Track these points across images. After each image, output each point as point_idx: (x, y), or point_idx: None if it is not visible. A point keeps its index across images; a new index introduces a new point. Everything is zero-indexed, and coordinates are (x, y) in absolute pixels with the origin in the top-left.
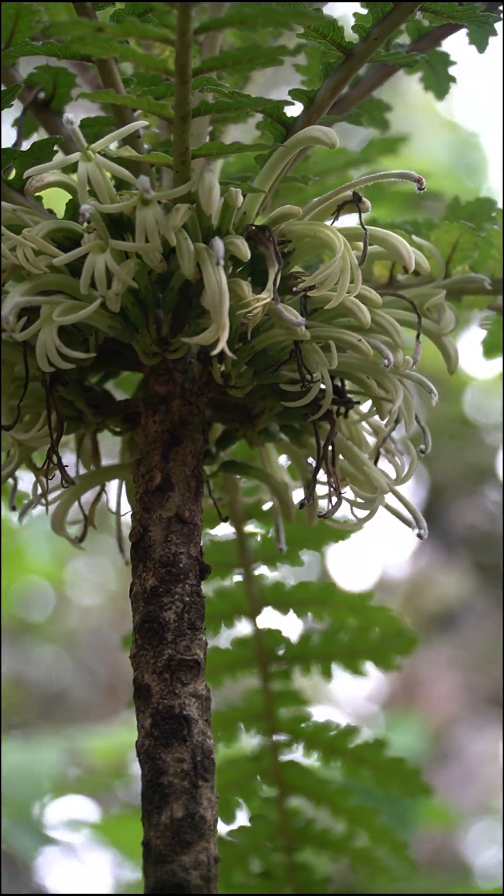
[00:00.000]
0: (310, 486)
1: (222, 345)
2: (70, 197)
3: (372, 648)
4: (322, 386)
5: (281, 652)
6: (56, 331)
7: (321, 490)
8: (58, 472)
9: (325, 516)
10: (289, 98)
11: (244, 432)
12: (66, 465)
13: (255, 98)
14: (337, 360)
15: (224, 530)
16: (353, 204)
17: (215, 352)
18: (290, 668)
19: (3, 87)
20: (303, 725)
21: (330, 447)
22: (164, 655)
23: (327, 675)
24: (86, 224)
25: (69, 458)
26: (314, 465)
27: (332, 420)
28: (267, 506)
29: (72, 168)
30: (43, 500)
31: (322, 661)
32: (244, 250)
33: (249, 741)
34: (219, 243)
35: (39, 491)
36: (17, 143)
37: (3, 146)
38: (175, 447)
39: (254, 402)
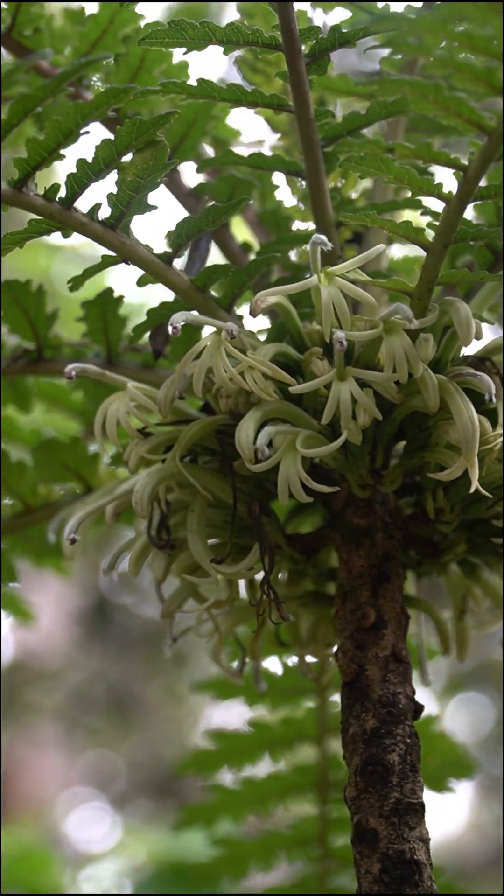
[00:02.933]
0: None
1: (475, 483)
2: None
3: (430, 774)
4: None
5: (340, 776)
6: (300, 462)
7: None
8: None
9: None
10: None
11: (427, 564)
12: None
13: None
14: None
15: None
16: None
17: (471, 490)
18: None
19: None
20: None
21: None
22: (390, 799)
23: None
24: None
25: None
26: None
27: None
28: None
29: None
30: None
31: None
32: (488, 383)
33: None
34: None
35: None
36: (198, 254)
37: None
38: (384, 583)
39: (443, 536)
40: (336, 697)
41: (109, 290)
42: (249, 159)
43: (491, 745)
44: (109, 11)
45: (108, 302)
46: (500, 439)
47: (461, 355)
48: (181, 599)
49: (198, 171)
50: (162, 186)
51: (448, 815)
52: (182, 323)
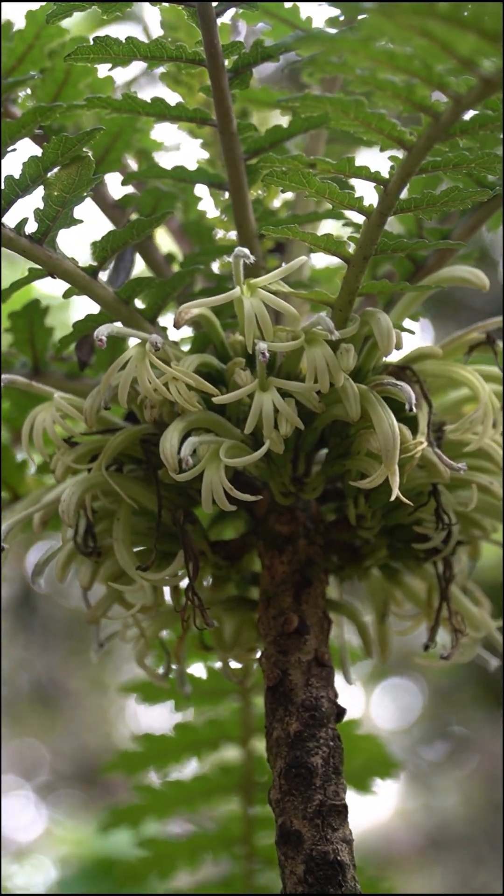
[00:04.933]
0: (433, 626)
1: (396, 491)
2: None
3: (354, 775)
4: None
5: (265, 779)
6: (224, 471)
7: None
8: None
9: (448, 658)
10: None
11: (348, 569)
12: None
13: (422, 242)
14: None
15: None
16: (487, 345)
17: (392, 498)
18: None
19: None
20: None
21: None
22: (314, 801)
23: None
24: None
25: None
26: (437, 604)
27: (448, 561)
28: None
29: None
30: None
31: None
32: (407, 394)
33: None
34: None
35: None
36: (122, 265)
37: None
38: (306, 588)
39: (365, 541)
40: (260, 699)
41: (36, 302)
42: (173, 172)
43: (416, 731)
44: (35, 27)
45: (34, 313)
46: (421, 447)
47: (382, 363)
48: (107, 605)
49: (123, 184)
50: (88, 199)
51: (376, 802)
52: (107, 335)
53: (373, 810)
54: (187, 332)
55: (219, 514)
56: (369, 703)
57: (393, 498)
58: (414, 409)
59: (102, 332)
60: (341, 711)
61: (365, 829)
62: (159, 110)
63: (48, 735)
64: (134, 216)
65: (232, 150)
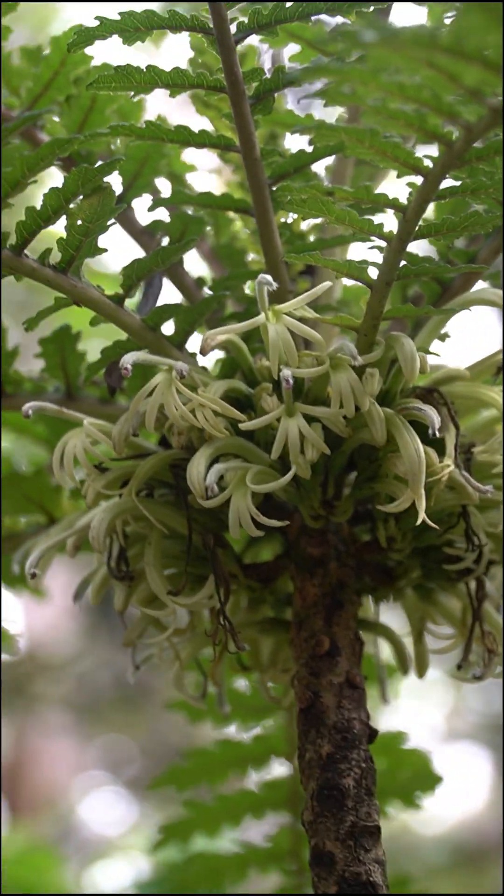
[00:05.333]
0: (467, 645)
1: (422, 515)
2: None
3: (398, 788)
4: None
5: None
6: (250, 497)
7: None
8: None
9: (481, 677)
10: (451, 264)
11: (382, 590)
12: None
13: (444, 266)
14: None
15: None
16: None
17: (418, 522)
18: None
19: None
20: None
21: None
22: (346, 822)
23: None
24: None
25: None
26: (470, 624)
27: (480, 580)
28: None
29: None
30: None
31: None
32: (431, 417)
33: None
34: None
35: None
36: (151, 291)
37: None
38: (338, 611)
39: (398, 562)
40: None
41: (67, 327)
42: (198, 198)
43: None
44: (60, 54)
45: (65, 338)
46: (448, 469)
47: (410, 387)
48: (142, 628)
49: (149, 210)
50: (116, 225)
51: (468, 793)
52: (132, 363)
53: (464, 803)
54: (219, 353)
55: (253, 538)
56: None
57: (419, 522)
58: (437, 434)
59: (128, 360)
60: (373, 733)
61: (456, 822)
62: (183, 137)
63: (133, 732)
64: (165, 240)
65: (256, 177)
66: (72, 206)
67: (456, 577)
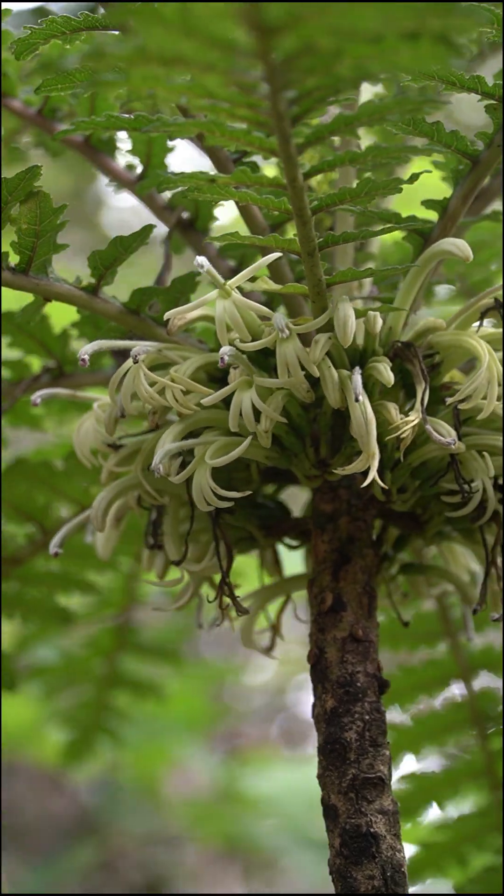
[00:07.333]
0: (482, 591)
1: (373, 474)
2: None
3: None
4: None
5: (500, 709)
6: (210, 473)
7: None
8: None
9: (498, 619)
10: (417, 215)
11: (417, 536)
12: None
13: (384, 211)
14: (492, 467)
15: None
16: (496, 310)
17: (366, 483)
18: None
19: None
20: None
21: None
22: (347, 775)
23: None
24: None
25: None
26: (485, 569)
27: (499, 521)
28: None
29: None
30: (228, 618)
31: None
32: (387, 375)
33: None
34: (357, 378)
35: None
36: (166, 264)
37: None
38: (344, 566)
39: (422, 509)
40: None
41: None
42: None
43: None
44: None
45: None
46: (411, 423)
47: (391, 341)
48: (192, 590)
49: (159, 191)
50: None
51: None
52: (90, 353)
53: None
54: None
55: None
56: None
57: (367, 483)
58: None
59: (86, 350)
60: (383, 683)
61: None
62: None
63: None
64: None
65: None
66: (13, 212)
67: (472, 520)
